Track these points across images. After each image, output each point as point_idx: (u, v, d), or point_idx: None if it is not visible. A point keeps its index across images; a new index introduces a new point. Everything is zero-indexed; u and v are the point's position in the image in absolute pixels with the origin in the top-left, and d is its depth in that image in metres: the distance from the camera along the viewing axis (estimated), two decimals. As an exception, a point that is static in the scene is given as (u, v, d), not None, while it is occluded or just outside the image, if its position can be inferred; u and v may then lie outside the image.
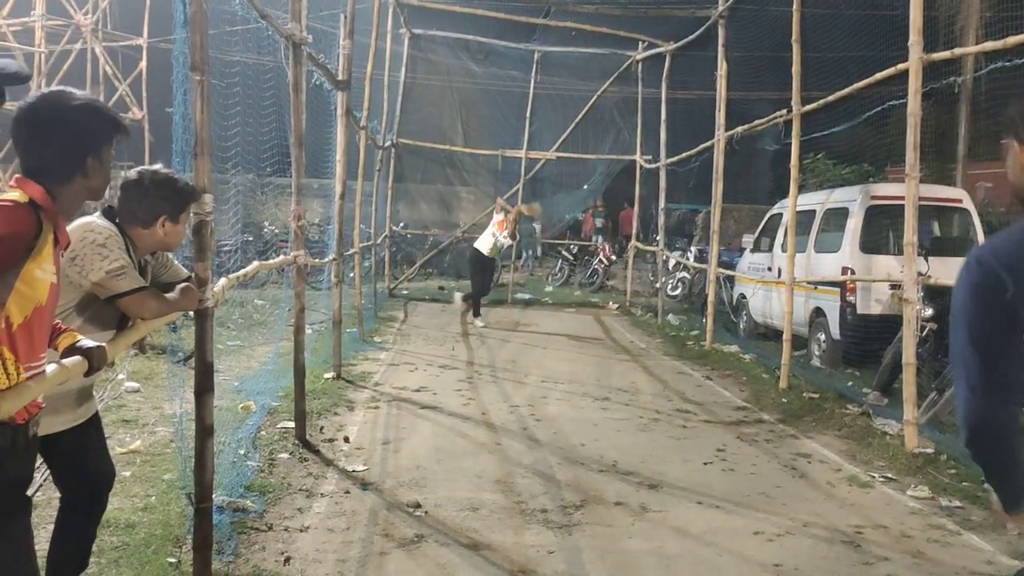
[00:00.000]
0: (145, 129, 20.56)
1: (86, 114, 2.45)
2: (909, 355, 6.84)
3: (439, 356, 10.59)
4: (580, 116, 17.89)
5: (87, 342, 2.58)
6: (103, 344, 2.62)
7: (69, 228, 3.19)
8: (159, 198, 3.37)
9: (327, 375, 8.59)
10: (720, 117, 11.84)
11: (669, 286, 17.08)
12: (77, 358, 2.52)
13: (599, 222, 25.07)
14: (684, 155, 14.21)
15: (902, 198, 7.14)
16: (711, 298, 12.27)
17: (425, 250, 20.17)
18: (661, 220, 15.90)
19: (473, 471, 5.94)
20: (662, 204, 15.53)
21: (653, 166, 15.97)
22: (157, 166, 3.55)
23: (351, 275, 12.29)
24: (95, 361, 2.55)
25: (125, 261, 3.19)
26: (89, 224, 3.24)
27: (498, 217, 13.87)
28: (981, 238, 10.20)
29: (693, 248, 18.38)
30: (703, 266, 13.97)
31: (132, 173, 3.46)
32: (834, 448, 6.92)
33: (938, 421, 7.22)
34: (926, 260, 8.30)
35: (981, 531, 5.10)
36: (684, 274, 17.63)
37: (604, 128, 17.99)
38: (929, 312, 7.99)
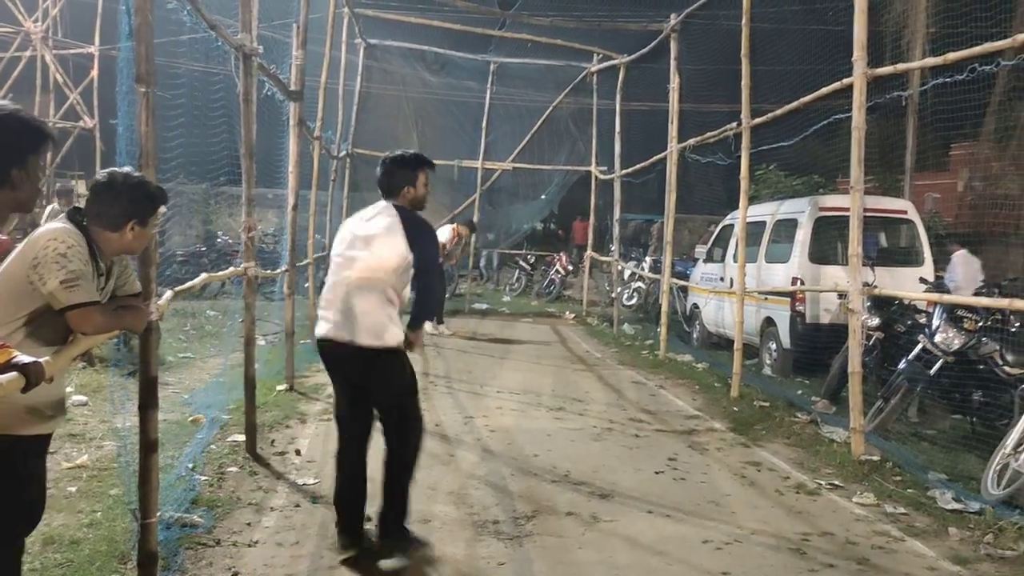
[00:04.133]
0: (96, 138, 20.28)
1: (10, 125, 2.41)
2: (855, 364, 6.97)
3: (394, 367, 10.52)
4: (536, 127, 17.98)
5: (23, 358, 2.52)
6: (40, 360, 2.56)
7: (36, 233, 3.14)
8: (131, 201, 3.32)
9: (280, 387, 8.52)
10: (673, 129, 11.98)
11: (625, 296, 17.19)
12: (13, 374, 2.47)
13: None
14: (638, 166, 14.36)
15: (849, 209, 7.28)
16: (664, 308, 12.40)
17: (382, 260, 20.04)
18: (616, 231, 16.02)
19: (426, 483, 5.91)
20: (617, 215, 15.65)
21: (608, 177, 16.09)
22: (127, 169, 3.49)
23: (306, 285, 12.21)
24: (32, 377, 2.50)
25: (82, 272, 3.13)
26: (54, 232, 3.17)
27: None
28: (927, 248, 10.42)
29: (648, 258, 18.53)
30: (657, 276, 14.09)
31: (102, 175, 3.40)
32: (783, 456, 7.02)
33: (884, 428, 7.36)
34: (872, 271, 8.46)
35: (924, 537, 5.21)
36: (640, 284, 17.77)
37: (560, 139, 18.11)
38: (875, 322, 8.14)
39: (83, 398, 7.61)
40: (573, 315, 17.13)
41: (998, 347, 6.94)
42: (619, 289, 16.54)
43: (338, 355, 4.68)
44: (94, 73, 20.44)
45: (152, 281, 3.66)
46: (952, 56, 6.05)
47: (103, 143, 20.01)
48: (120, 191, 3.31)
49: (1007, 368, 6.80)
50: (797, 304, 10.02)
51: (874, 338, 8.20)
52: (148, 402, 3.74)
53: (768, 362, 10.74)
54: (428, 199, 4.99)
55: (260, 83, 7.05)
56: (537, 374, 10.55)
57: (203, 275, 5.52)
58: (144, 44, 3.57)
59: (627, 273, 17.59)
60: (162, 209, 3.59)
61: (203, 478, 5.62)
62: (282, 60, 8.91)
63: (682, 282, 13.57)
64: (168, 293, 4.43)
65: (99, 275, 3.26)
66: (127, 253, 3.48)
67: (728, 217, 12.59)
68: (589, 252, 18.10)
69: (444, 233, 13.82)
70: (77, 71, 21.02)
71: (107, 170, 3.42)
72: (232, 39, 5.86)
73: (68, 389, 7.77)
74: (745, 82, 9.42)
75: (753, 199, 12.51)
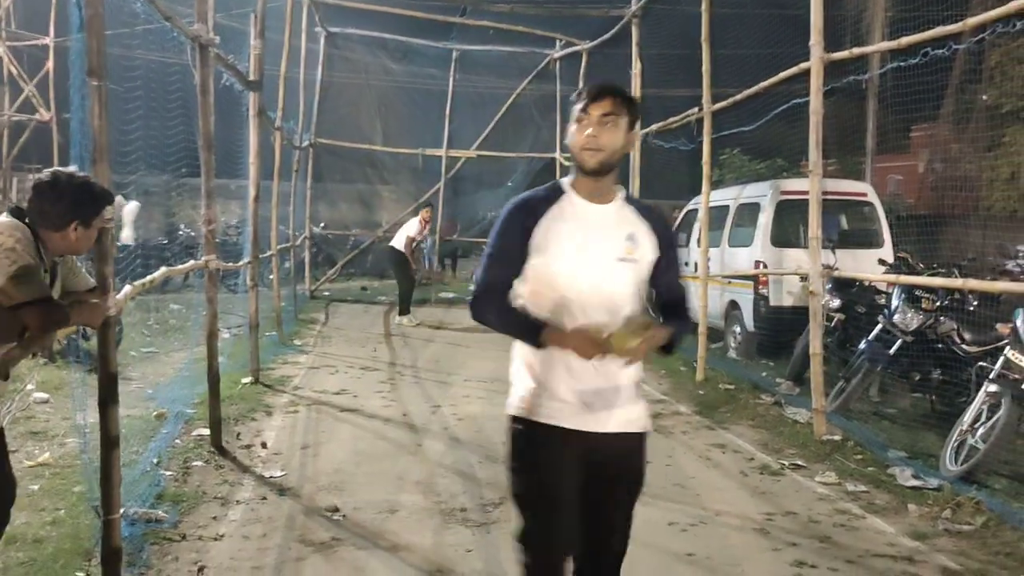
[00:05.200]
0: (53, 131, 19.93)
1: None
2: (815, 345, 7.06)
3: (361, 358, 10.52)
4: (499, 114, 17.95)
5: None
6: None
7: None
8: (75, 202, 3.27)
9: (245, 380, 8.47)
10: (635, 115, 11.98)
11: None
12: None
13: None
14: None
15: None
16: (631, 293, 12.45)
17: (347, 250, 19.98)
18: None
19: (393, 473, 5.93)
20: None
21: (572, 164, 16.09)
22: (72, 168, 3.45)
23: (270, 277, 12.13)
24: None
25: (32, 268, 3.09)
26: (0, 226, 3.13)
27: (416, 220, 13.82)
28: (886, 230, 10.55)
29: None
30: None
31: (46, 174, 3.35)
32: (747, 438, 7.11)
33: (846, 408, 7.46)
34: (834, 253, 8.56)
35: (884, 514, 5.31)
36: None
37: (524, 126, 18.12)
38: (836, 303, 8.24)
39: (44, 395, 7.51)
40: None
41: (956, 326, 7.07)
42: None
43: None
44: (49, 65, 20.08)
45: (109, 276, 3.61)
46: (906, 40, 6.13)
47: (60, 136, 19.69)
48: (63, 191, 3.26)
49: (965, 346, 6.93)
50: (760, 287, 10.11)
51: (835, 319, 8.31)
52: (108, 398, 3.71)
53: (733, 345, 10.85)
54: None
55: (218, 73, 6.97)
56: (504, 362, 10.37)
57: (162, 269, 5.46)
58: (95, 37, 3.52)
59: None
60: (128, 206, 3.55)
61: (168, 473, 5.58)
62: (240, 50, 8.81)
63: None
64: (127, 288, 4.38)
65: (45, 272, 3.23)
66: (71, 253, 3.46)
67: (692, 202, 12.65)
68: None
69: (412, 226, 13.73)
70: (32, 63, 20.62)
71: (51, 169, 3.39)
72: (188, 29, 5.79)
73: (29, 386, 7.67)
74: (706, 67, 9.45)
75: (717, 183, 12.60)
